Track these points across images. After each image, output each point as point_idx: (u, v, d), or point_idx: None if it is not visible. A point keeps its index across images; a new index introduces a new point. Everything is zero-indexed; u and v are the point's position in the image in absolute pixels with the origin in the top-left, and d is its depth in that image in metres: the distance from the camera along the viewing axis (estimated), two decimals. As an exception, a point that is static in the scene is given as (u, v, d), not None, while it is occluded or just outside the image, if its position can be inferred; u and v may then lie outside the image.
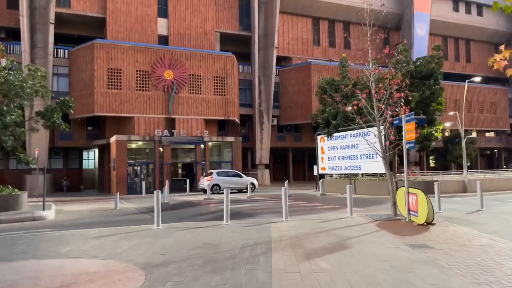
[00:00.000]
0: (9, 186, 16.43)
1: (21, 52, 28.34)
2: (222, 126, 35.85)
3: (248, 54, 38.41)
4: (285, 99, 38.65)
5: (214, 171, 26.43)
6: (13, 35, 30.71)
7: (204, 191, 24.04)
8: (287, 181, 25.20)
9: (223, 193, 23.34)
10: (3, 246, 8.05)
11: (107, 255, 6.89)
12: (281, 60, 39.92)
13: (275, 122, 38.24)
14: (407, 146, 10.63)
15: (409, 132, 10.48)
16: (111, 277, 5.50)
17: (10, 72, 16.58)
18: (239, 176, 26.88)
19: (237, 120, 34.51)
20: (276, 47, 37.35)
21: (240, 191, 26.01)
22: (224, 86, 32.73)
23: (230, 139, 31.48)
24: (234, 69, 34.06)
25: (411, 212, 10.18)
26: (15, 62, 17.63)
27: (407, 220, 10.28)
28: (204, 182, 25.46)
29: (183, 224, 10.84)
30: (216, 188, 25.10)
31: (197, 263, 6.19)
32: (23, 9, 28.31)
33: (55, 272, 5.84)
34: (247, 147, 36.93)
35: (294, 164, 42.33)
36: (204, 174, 27.81)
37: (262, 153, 37.09)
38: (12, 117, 16.12)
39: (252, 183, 26.37)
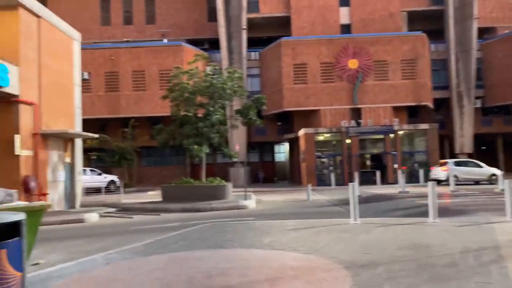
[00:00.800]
0: (217, 178, 18.51)
1: (220, 59, 31.99)
2: (413, 113, 32.90)
3: (441, 31, 34.20)
4: (491, 77, 32.95)
5: (450, 161, 24.97)
6: (214, 44, 34.90)
7: (438, 182, 22.75)
8: (501, 172, 21.31)
9: (461, 184, 21.83)
10: (216, 232, 8.81)
11: (308, 249, 6.68)
12: (482, 32, 34.18)
13: (478, 104, 33.00)
14: None
15: None
16: (315, 274, 5.18)
17: (213, 76, 18.66)
18: (479, 166, 24.54)
19: (431, 105, 31.18)
20: (475, 18, 32.14)
21: (477, 182, 23.36)
22: (414, 69, 29.97)
23: (424, 126, 28.61)
24: (425, 49, 30.81)
25: None
26: (217, 67, 19.73)
27: None
28: (438, 172, 23.91)
29: (381, 219, 10.00)
30: (453, 179, 23.23)
31: (409, 267, 5.35)
32: (221, 20, 31.86)
33: (260, 264, 5.90)
34: (443, 135, 32.94)
35: (506, 152, 35.73)
36: (438, 164, 25.74)
37: (463, 141, 32.54)
38: (217, 116, 18.08)
39: (493, 174, 23.67)
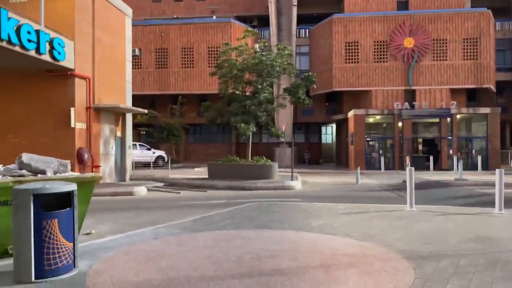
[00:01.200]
0: (263, 157, 18.30)
1: (269, 36, 31.38)
2: (472, 96, 30.84)
3: (508, 8, 31.49)
4: None
5: None
6: (263, 22, 34.27)
7: None
8: None
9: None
10: (263, 212, 8.60)
11: (361, 235, 6.29)
12: (557, 8, 31.07)
13: (546, 89, 30.38)
14: None
15: None
16: (372, 264, 4.81)
17: (262, 54, 18.24)
18: None
19: (493, 88, 29.00)
20: (550, -7, 29.24)
21: None
22: (476, 49, 27.88)
23: (485, 110, 26.71)
24: (490, 27, 28.49)
25: None
26: (267, 44, 19.26)
27: None
28: None
29: (439, 207, 9.33)
30: None
31: (477, 262, 4.84)
32: (271, -5, 31.11)
33: (311, 247, 5.60)
34: (504, 120, 30.69)
35: None
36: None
37: (527, 127, 30.17)
38: (265, 94, 17.74)
39: None
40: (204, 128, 33.54)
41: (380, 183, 17.03)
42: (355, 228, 6.90)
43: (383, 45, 28.41)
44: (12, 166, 5.84)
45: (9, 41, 10.61)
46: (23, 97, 13.66)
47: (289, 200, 11.06)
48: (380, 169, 25.34)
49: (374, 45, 28.52)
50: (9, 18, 10.55)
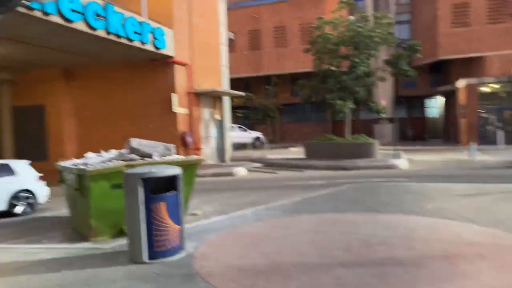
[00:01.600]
0: (363, 135, 17.40)
1: (364, 6, 29.51)
2: None
3: None
4: None
5: None
6: (357, -8, 32.34)
7: None
8: None
9: None
10: (368, 193, 8.08)
11: (487, 221, 5.48)
12: None
13: None
14: None
15: None
16: (507, 255, 4.11)
17: (359, 25, 17.12)
18: None
19: None
20: None
21: None
22: None
23: None
24: None
25: None
26: (363, 14, 18.05)
27: None
28: None
29: None
30: None
31: None
32: (365, -37, 29.09)
33: (428, 234, 5.01)
34: None
35: None
36: None
37: None
38: (363, 68, 16.69)
39: None
40: (298, 107, 33.14)
41: (499, 160, 15.08)
42: (477, 212, 6.07)
43: (500, 2, 24.84)
44: (124, 151, 6.19)
45: (117, 35, 11.36)
46: (132, 86, 14.65)
47: (395, 180, 10.29)
48: (496, 144, 22.54)
49: (488, 4, 25.08)
50: (115, 12, 11.27)
